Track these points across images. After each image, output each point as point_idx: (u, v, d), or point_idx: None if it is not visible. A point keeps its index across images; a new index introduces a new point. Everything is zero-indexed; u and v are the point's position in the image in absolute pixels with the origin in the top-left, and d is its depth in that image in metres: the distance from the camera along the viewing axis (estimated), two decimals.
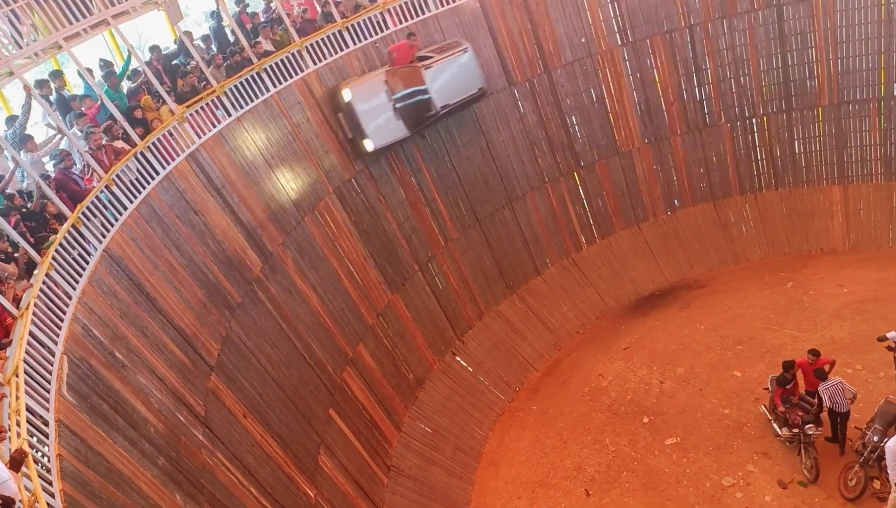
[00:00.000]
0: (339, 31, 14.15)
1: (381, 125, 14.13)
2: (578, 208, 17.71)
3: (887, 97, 16.33)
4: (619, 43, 16.74)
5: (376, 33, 14.63)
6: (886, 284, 14.94)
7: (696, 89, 17.33)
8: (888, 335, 11.68)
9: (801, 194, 17.62)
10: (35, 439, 6.17)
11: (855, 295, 15.22)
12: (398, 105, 14.14)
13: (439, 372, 15.41)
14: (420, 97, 14.32)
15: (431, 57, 14.52)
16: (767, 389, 12.52)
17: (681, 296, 17.04)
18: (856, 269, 16.10)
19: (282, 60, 13.20)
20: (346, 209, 14.18)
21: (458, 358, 15.79)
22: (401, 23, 14.87)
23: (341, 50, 14.22)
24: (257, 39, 13.29)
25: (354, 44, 14.39)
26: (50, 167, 9.71)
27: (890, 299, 14.26)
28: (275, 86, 13.07)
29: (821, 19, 16.06)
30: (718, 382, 14.01)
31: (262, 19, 14.20)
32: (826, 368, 11.50)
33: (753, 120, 17.41)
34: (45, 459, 6.21)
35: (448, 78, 14.65)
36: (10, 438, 5.79)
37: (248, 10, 14.28)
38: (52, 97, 10.47)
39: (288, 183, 13.15)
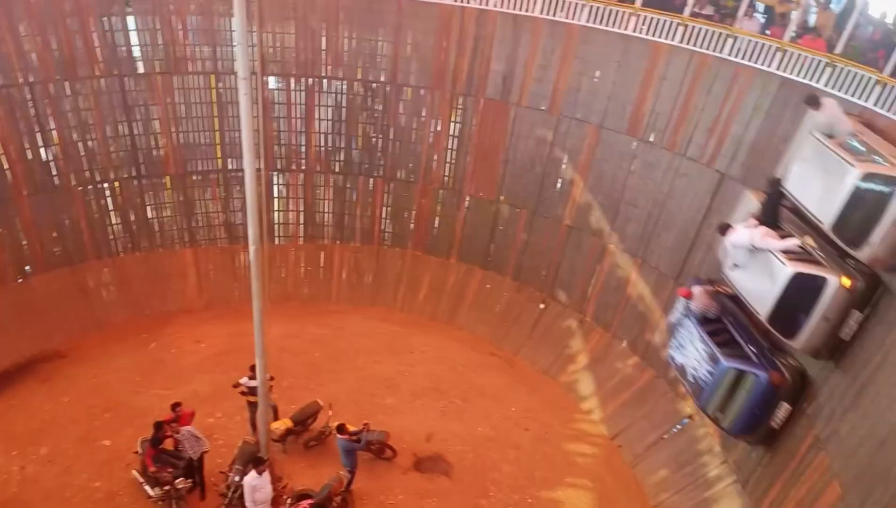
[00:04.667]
0: None
1: None
2: None
3: (224, 170, 19.70)
4: None
5: None
6: (237, 336, 17.33)
7: (42, 150, 17.28)
8: (241, 380, 14.10)
9: (157, 256, 19.41)
10: None
11: (212, 349, 17.58)
12: None
13: None
14: None
15: None
16: (138, 452, 13.30)
17: (40, 369, 16.55)
18: (211, 325, 18.55)
19: None
20: None
21: None
22: None
23: None
24: None
25: None
26: None
27: (241, 349, 16.19)
28: None
29: (161, 94, 18.26)
30: (88, 455, 14.18)
31: None
32: (189, 419, 13.26)
33: (106, 185, 18.36)
34: None
35: None
36: None
37: None
38: None
39: None
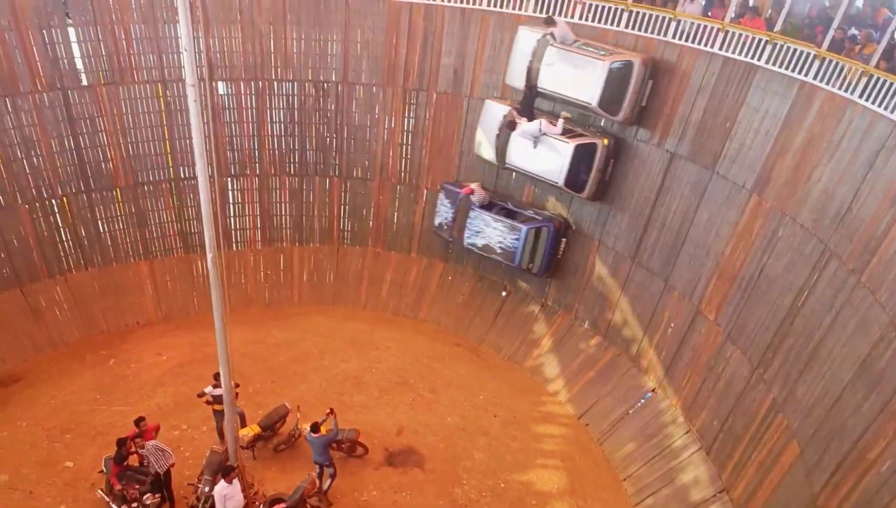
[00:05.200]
0: None
1: None
2: None
3: (176, 179, 19.54)
4: None
5: None
6: (199, 346, 17.43)
7: None
8: (205, 390, 14.08)
9: (111, 271, 19.11)
10: None
11: (173, 361, 17.46)
12: None
13: None
14: None
15: None
16: (102, 471, 13.19)
17: None
18: (172, 337, 18.42)
19: None
20: None
21: None
22: None
23: None
24: None
25: None
26: None
27: (204, 359, 16.61)
28: None
29: (107, 106, 18.01)
30: (50, 478, 14.00)
31: None
32: (154, 434, 13.19)
33: (54, 201, 18.02)
34: None
35: None
36: None
37: None
38: None
39: None
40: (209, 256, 11.19)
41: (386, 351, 18.49)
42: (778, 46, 13.47)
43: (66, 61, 17.36)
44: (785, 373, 12.28)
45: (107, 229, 19.02)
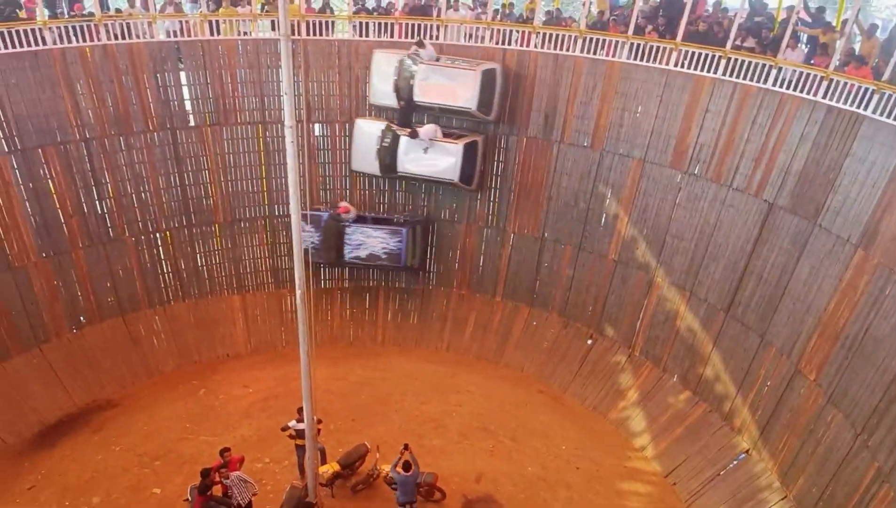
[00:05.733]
0: None
1: None
2: None
3: (271, 216, 20.39)
4: (7, 150, 16.45)
5: None
6: (284, 380, 17.94)
7: (97, 203, 18.17)
8: (289, 423, 14.42)
9: (206, 303, 20.07)
10: None
11: (259, 394, 18.00)
12: None
13: None
14: None
15: None
16: (188, 500, 13.60)
17: (92, 419, 17.10)
18: (259, 370, 19.04)
19: None
20: None
21: None
22: None
23: None
24: None
25: None
26: None
27: (288, 393, 17.02)
28: None
29: (210, 145, 19.11)
30: (138, 504, 14.54)
31: None
32: (238, 465, 13.57)
33: (157, 234, 19.15)
34: None
35: None
36: None
37: None
38: None
39: None
40: (298, 292, 11.58)
41: (467, 395, 18.44)
42: (886, 96, 12.99)
43: (175, 103, 18.62)
44: (891, 441, 11.53)
45: (204, 263, 20.03)
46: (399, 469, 13.46)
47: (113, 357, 18.53)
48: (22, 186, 16.83)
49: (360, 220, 19.89)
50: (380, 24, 19.40)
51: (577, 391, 18.74)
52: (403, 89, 18.43)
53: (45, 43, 16.55)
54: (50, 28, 16.58)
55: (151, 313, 19.42)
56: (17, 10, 17.02)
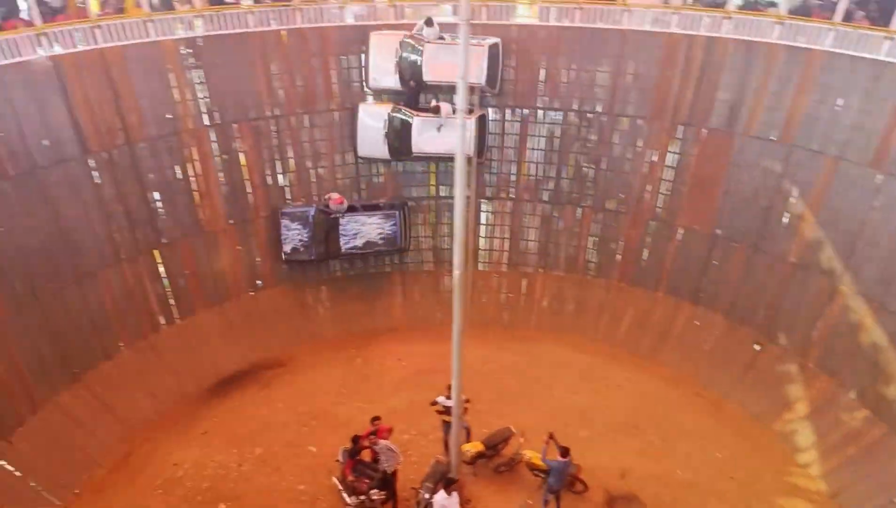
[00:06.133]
0: None
1: None
2: (158, 287, 18.08)
3: (436, 197, 20.93)
4: (207, 123, 18.09)
5: None
6: (436, 357, 17.53)
7: (280, 176, 19.63)
8: (438, 399, 14.74)
9: (369, 277, 21.11)
10: None
11: (412, 368, 18.58)
12: None
13: None
14: None
15: None
16: (339, 461, 14.27)
17: (261, 376, 18.46)
18: (413, 344, 19.62)
19: None
20: None
21: (1, 462, 14.41)
22: None
23: None
24: None
25: None
26: None
27: (439, 370, 16.67)
28: None
29: None
30: (295, 459, 15.50)
31: None
32: (387, 434, 14.07)
33: None
34: None
35: None
36: None
37: None
38: None
39: None
40: (456, 273, 11.78)
41: (618, 390, 17.96)
42: None
43: (357, 84, 19.73)
44: None
45: None
46: (557, 456, 13.31)
47: (283, 320, 19.93)
48: (217, 158, 18.48)
49: (351, 210, 19.95)
50: (561, 8, 19.14)
51: (739, 397, 17.58)
52: (405, 71, 18.66)
53: (248, 25, 18.05)
54: (253, 12, 18.06)
55: (319, 282, 20.64)
56: None
